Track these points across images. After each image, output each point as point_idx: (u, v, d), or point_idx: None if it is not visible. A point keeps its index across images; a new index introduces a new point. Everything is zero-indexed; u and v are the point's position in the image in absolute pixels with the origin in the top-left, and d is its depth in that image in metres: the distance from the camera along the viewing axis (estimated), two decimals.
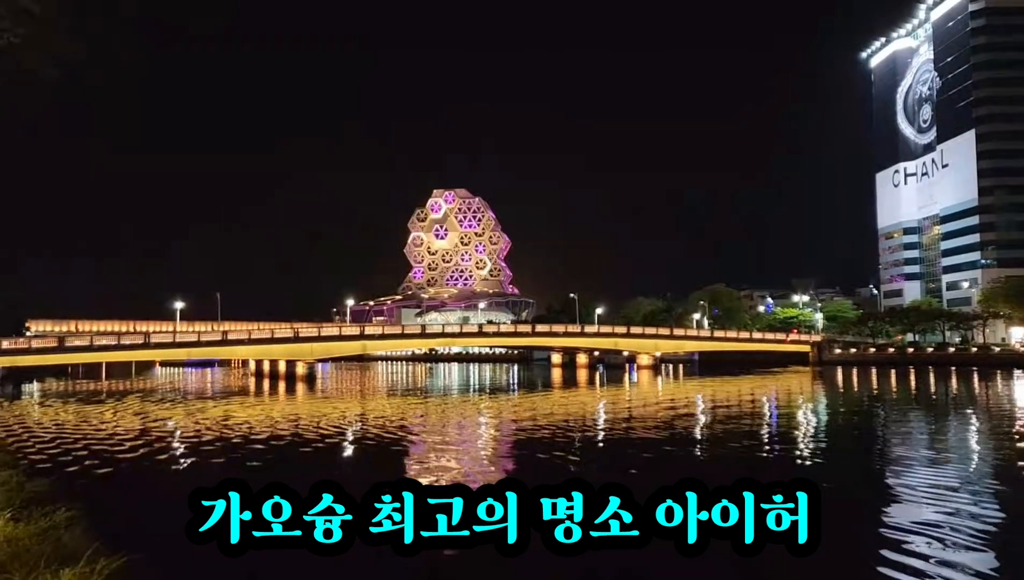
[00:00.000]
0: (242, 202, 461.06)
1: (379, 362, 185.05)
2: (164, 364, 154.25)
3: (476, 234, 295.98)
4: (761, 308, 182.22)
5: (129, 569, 9.07)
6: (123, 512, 20.84)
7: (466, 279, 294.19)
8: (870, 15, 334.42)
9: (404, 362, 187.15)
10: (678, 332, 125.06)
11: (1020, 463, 28.70)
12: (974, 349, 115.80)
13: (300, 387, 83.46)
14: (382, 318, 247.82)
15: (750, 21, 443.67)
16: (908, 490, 22.82)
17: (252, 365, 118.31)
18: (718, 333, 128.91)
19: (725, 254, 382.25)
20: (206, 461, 30.89)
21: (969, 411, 48.69)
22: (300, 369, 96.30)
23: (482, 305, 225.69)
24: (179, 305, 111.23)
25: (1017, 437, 35.50)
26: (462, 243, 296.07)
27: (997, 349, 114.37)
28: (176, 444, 36.59)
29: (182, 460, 31.84)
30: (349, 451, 33.81)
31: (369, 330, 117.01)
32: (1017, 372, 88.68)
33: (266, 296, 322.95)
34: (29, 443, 35.88)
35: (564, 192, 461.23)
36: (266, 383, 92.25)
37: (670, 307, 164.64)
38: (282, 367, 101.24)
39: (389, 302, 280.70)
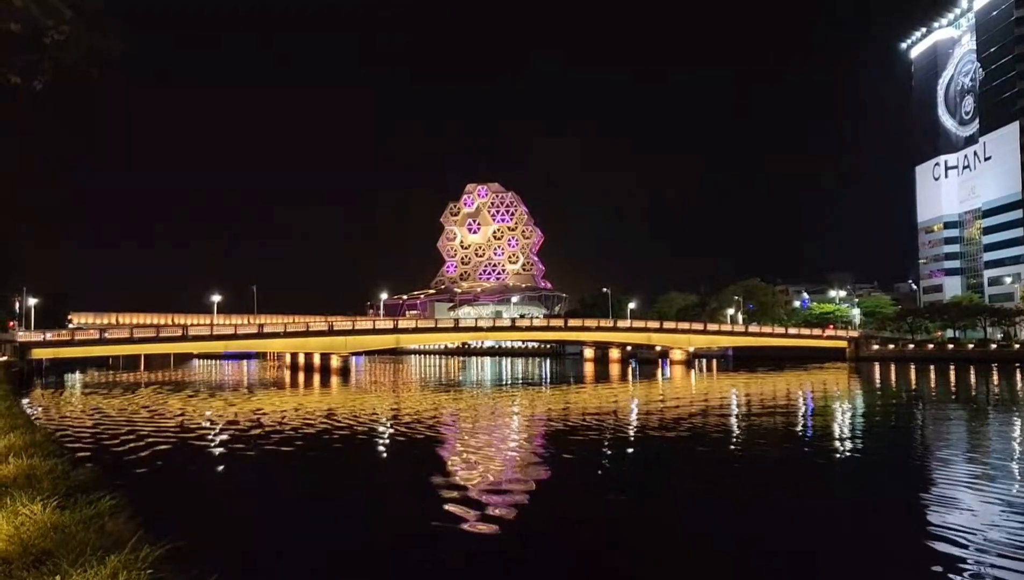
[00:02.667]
0: (278, 202, 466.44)
1: (412, 356, 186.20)
2: (201, 356, 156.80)
3: (509, 228, 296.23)
4: (796, 303, 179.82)
5: (172, 556, 9.30)
6: (165, 500, 21.32)
7: (499, 273, 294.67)
8: (911, 4, 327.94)
9: (437, 356, 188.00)
10: (711, 327, 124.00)
11: None
12: (1017, 346, 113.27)
13: (335, 380, 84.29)
14: (415, 312, 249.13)
15: (790, 14, 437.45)
16: (945, 494, 22.47)
17: (287, 358, 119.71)
18: (752, 328, 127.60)
19: (761, 248, 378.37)
20: (242, 452, 31.42)
21: (1012, 410, 47.68)
22: (335, 362, 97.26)
23: (514, 299, 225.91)
24: (216, 298, 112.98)
25: None
26: (495, 237, 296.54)
27: None
28: (214, 435, 37.26)
29: (219, 450, 32.42)
30: (381, 446, 34.16)
31: (402, 324, 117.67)
32: None
33: (302, 292, 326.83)
34: (73, 432, 36.77)
35: (600, 183, 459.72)
36: (301, 376, 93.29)
37: (704, 302, 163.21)
38: (317, 360, 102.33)
39: (422, 296, 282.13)
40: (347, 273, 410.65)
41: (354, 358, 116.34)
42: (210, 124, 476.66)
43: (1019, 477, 24.95)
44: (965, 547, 16.07)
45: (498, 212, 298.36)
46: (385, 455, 31.69)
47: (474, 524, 18.28)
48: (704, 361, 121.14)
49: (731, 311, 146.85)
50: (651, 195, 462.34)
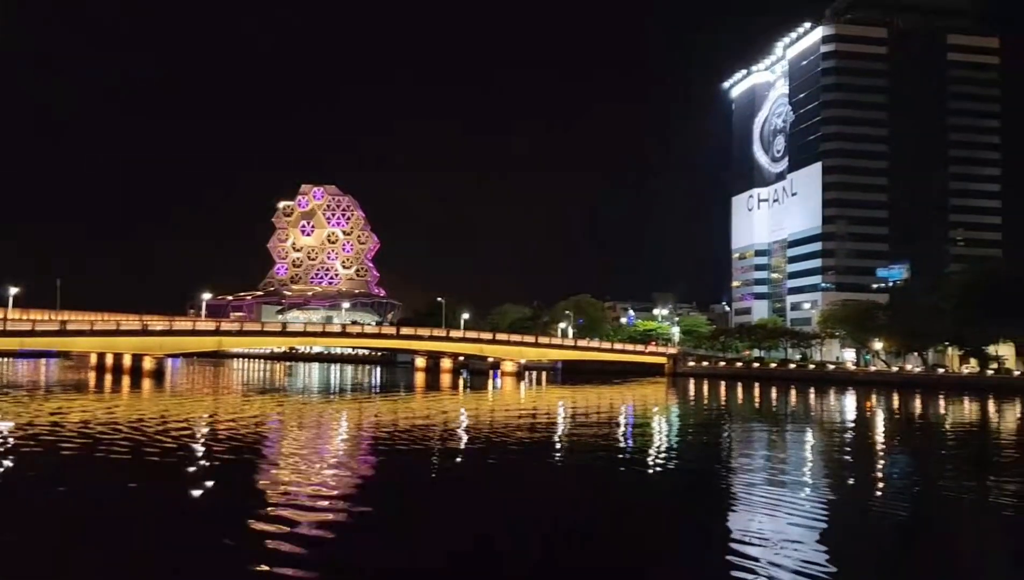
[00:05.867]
0: (85, 189, 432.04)
1: (235, 359, 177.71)
2: None
3: (344, 233, 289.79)
4: (624, 320, 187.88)
5: None
6: None
7: (331, 278, 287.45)
8: (734, 47, 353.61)
9: (262, 360, 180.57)
10: (543, 340, 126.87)
11: (843, 471, 30.62)
12: (811, 366, 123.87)
13: (146, 383, 78.66)
14: (241, 314, 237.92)
15: (627, 41, 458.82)
16: (744, 495, 23.72)
17: (93, 358, 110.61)
18: (581, 342, 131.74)
19: (592, 266, 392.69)
20: (27, 461, 28.22)
21: (803, 424, 51.80)
22: (148, 364, 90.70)
23: (346, 305, 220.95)
24: (13, 290, 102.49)
25: (843, 448, 38.01)
26: (329, 241, 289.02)
27: (832, 367, 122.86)
28: None
29: None
30: (191, 455, 31.81)
31: (226, 326, 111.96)
32: (849, 389, 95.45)
33: (113, 286, 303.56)
34: None
35: (436, 194, 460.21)
36: (108, 378, 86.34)
37: (536, 315, 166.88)
38: (127, 361, 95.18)
39: (249, 298, 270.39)
40: (169, 271, 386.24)
41: (170, 360, 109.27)
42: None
43: (808, 484, 26.85)
44: (755, 549, 16.85)
45: (334, 215, 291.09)
46: (193, 469, 29.44)
47: (278, 544, 17.16)
48: (534, 373, 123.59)
49: (562, 325, 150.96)
50: (489, 210, 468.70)
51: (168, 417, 44.04)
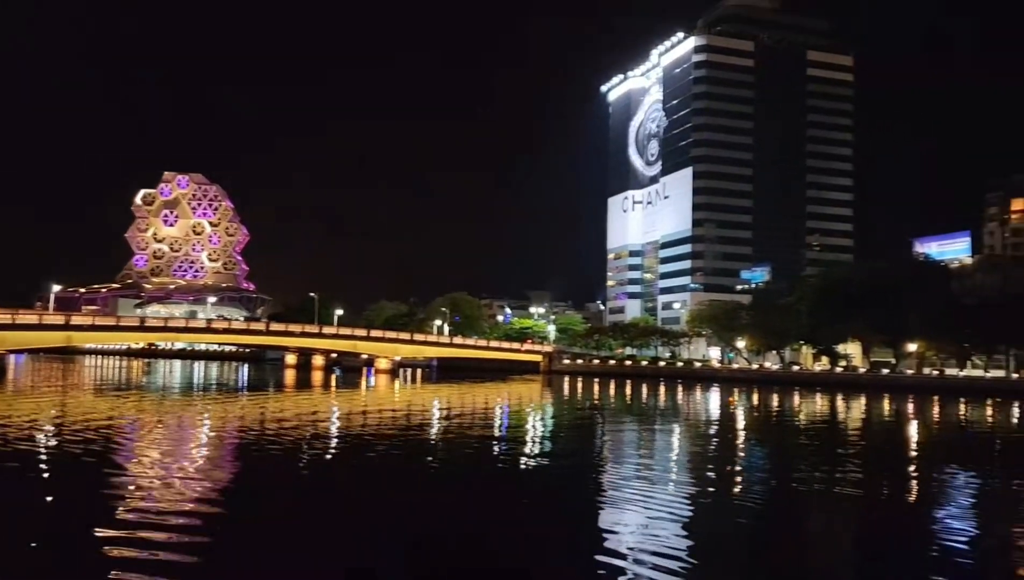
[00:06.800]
0: None
1: (88, 356, 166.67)
2: None
3: (211, 223, 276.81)
4: (500, 317, 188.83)
5: None
6: None
7: (196, 271, 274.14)
8: (614, 50, 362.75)
9: (118, 357, 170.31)
10: (418, 337, 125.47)
11: (706, 465, 31.32)
12: (680, 364, 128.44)
13: None
14: (95, 308, 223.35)
15: (512, 41, 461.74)
16: (615, 490, 23.69)
17: None
18: (457, 340, 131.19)
19: (470, 263, 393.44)
20: None
21: (671, 420, 53.19)
22: None
23: (212, 299, 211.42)
24: None
25: (707, 442, 39.10)
26: (194, 232, 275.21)
27: (699, 364, 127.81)
28: None
29: None
30: (29, 461, 28.79)
31: (77, 320, 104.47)
32: (714, 386, 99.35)
33: None
34: None
35: (311, 187, 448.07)
36: None
37: (412, 312, 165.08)
38: None
39: (105, 290, 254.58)
40: (16, 262, 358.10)
41: (13, 356, 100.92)
42: None
43: (674, 478, 27.22)
44: (623, 542, 16.68)
45: (200, 205, 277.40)
46: (35, 473, 26.59)
47: (122, 551, 15.48)
48: (410, 371, 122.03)
49: (438, 322, 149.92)
50: (366, 207, 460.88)
51: (6, 418, 40.04)
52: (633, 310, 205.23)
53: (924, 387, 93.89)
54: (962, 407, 69.40)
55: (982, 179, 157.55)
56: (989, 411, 66.19)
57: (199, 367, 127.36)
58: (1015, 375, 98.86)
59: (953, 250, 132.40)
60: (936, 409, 67.53)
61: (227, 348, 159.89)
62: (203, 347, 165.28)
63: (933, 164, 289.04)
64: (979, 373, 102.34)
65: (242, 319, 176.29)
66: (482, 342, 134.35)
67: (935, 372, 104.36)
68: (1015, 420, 59.14)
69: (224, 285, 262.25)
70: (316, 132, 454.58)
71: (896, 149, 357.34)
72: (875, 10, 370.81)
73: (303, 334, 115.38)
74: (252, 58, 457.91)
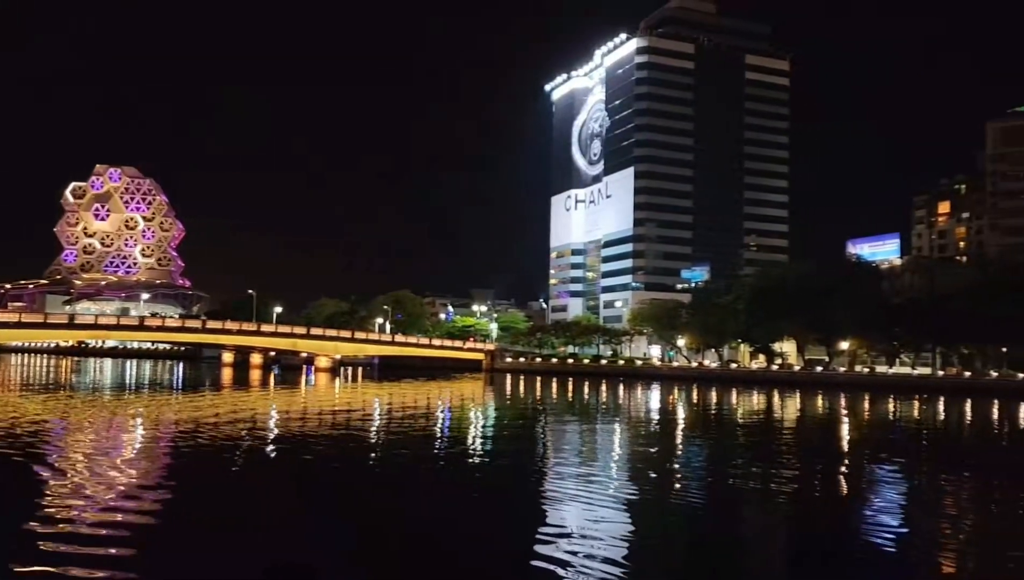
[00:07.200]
0: None
1: (13, 354, 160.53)
2: None
3: (145, 218, 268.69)
4: (443, 316, 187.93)
5: None
6: None
7: (129, 267, 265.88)
8: (559, 50, 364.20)
9: (46, 355, 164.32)
10: (360, 335, 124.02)
11: (646, 462, 31.60)
12: (621, 362, 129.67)
13: None
14: (21, 304, 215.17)
15: (458, 38, 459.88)
16: (555, 488, 23.66)
17: None
18: (399, 338, 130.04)
19: (415, 262, 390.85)
20: None
21: (612, 418, 53.61)
22: None
23: (146, 296, 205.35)
24: None
25: (647, 440, 39.46)
26: (127, 227, 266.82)
27: (640, 363, 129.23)
28: None
29: None
30: None
31: (2, 317, 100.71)
32: (654, 384, 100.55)
33: None
34: None
35: (253, 187, 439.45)
36: None
37: (354, 310, 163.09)
38: None
39: (32, 286, 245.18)
40: None
41: None
42: None
43: (614, 476, 27.36)
44: (563, 539, 16.62)
45: (132, 199, 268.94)
46: None
47: (49, 553, 14.77)
48: (351, 369, 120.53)
49: (380, 320, 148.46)
50: (309, 204, 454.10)
51: None
52: (575, 309, 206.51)
53: (856, 384, 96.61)
54: (891, 404, 71.58)
55: (911, 183, 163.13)
56: (916, 407, 68.43)
57: (131, 366, 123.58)
58: (940, 373, 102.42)
59: (884, 252, 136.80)
60: (867, 405, 69.50)
61: (161, 346, 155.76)
62: (136, 345, 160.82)
63: (866, 168, 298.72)
64: (907, 370, 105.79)
65: (177, 316, 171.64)
66: (424, 340, 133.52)
67: (866, 370, 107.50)
68: (940, 416, 61.23)
69: (158, 281, 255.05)
70: (258, 134, 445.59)
71: (831, 153, 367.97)
72: (813, 15, 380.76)
73: (241, 332, 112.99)
74: (170, 58, 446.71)
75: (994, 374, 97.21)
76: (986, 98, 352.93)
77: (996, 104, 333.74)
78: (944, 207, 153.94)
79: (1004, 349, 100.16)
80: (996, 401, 75.55)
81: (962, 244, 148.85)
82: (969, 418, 59.99)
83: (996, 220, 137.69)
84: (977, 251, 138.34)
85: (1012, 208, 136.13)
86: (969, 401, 75.38)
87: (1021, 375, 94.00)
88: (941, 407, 68.91)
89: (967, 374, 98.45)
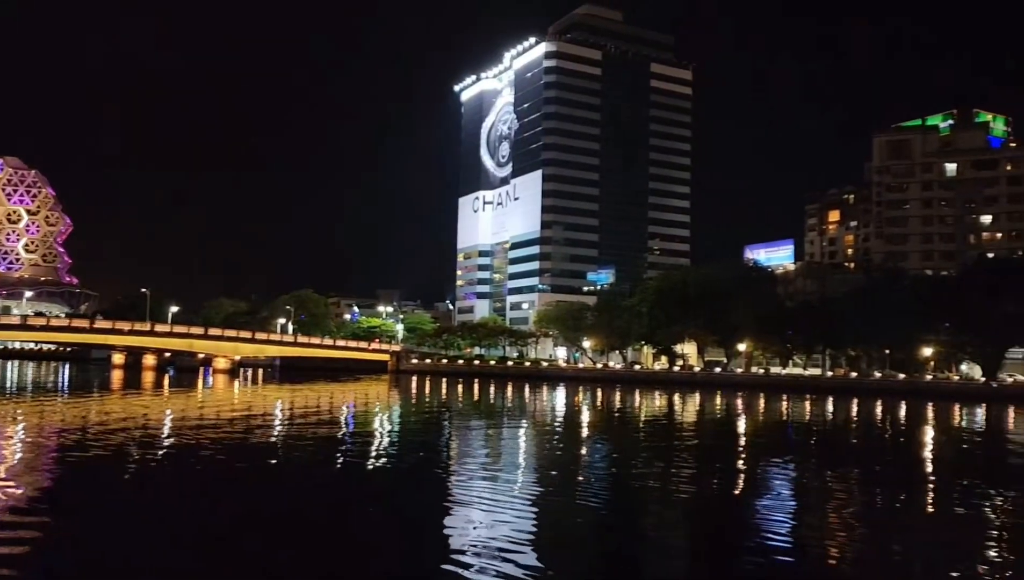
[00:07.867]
0: None
1: None
2: None
3: (29, 212, 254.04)
4: (348, 316, 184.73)
5: None
6: None
7: (11, 262, 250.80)
8: (467, 51, 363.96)
9: None
10: (260, 336, 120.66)
11: (550, 463, 31.82)
12: (528, 363, 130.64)
13: None
14: None
15: (371, 36, 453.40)
16: (460, 490, 23.53)
17: None
18: (302, 339, 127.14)
19: (318, 262, 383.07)
20: None
21: (518, 419, 53.84)
22: None
23: (29, 294, 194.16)
24: None
25: (552, 440, 39.77)
26: (9, 221, 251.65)
27: (546, 364, 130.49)
28: None
29: None
30: None
31: None
32: (560, 385, 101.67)
33: None
34: None
35: (148, 184, 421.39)
36: None
37: (255, 310, 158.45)
38: None
39: None
40: None
41: None
42: None
43: (519, 477, 27.43)
44: (467, 539, 16.51)
45: (16, 191, 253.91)
46: None
47: None
48: (251, 371, 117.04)
49: (282, 321, 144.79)
50: (210, 203, 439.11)
51: None
52: (482, 310, 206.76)
53: (752, 385, 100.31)
54: (784, 403, 74.60)
55: (804, 192, 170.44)
56: (807, 406, 71.51)
57: (12, 367, 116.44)
58: (829, 373, 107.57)
59: (778, 257, 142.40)
60: (762, 405, 72.21)
61: (46, 347, 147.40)
62: (18, 345, 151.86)
63: (763, 177, 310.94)
64: (800, 371, 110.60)
65: (63, 315, 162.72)
66: (328, 341, 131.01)
67: (762, 371, 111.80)
68: (829, 415, 64.17)
69: (43, 278, 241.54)
70: (168, 133, 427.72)
71: (730, 161, 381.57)
72: (716, 28, 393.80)
73: (133, 332, 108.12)
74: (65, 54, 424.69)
75: (878, 375, 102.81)
76: (882, 109, 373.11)
77: (891, 116, 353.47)
78: (834, 215, 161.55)
79: (887, 351, 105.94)
80: (879, 400, 79.85)
81: (850, 251, 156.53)
82: (855, 416, 63.04)
83: (880, 228, 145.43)
84: (864, 257, 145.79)
85: (895, 217, 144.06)
86: (855, 400, 79.38)
87: (902, 376, 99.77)
88: (830, 406, 72.20)
89: (853, 375, 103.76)
